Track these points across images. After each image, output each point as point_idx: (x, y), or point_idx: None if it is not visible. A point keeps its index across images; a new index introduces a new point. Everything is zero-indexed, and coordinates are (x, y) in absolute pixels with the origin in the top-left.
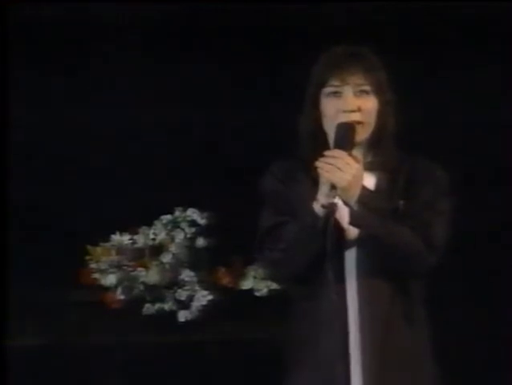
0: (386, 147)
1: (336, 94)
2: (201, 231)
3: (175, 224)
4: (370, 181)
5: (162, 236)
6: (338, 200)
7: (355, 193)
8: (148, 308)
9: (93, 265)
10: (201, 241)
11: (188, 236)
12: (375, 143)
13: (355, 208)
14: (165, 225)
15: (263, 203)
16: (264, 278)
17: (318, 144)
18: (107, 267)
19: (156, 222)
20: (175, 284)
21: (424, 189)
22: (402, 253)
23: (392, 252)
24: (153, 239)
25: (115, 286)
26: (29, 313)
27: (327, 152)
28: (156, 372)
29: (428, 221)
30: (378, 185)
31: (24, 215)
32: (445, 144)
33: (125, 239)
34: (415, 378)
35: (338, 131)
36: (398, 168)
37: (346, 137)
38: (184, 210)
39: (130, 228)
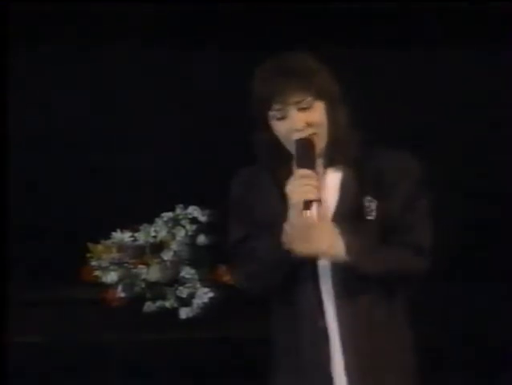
0: (344, 143)
1: (282, 116)
2: (202, 228)
3: (176, 222)
4: (335, 178)
5: (163, 233)
6: (310, 221)
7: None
8: (149, 305)
9: (94, 263)
10: (202, 239)
11: (190, 233)
12: (332, 141)
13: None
14: (166, 223)
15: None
16: None
17: (280, 156)
18: (108, 264)
19: (157, 220)
20: (176, 281)
21: (399, 187)
22: (396, 278)
23: (387, 279)
24: (154, 236)
25: (116, 284)
26: (30, 310)
27: (294, 175)
28: (156, 369)
29: (412, 225)
30: (343, 181)
31: (25, 213)
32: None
33: (126, 236)
34: (397, 381)
35: (297, 149)
36: (363, 162)
37: (307, 154)
38: (186, 208)
39: (131, 225)
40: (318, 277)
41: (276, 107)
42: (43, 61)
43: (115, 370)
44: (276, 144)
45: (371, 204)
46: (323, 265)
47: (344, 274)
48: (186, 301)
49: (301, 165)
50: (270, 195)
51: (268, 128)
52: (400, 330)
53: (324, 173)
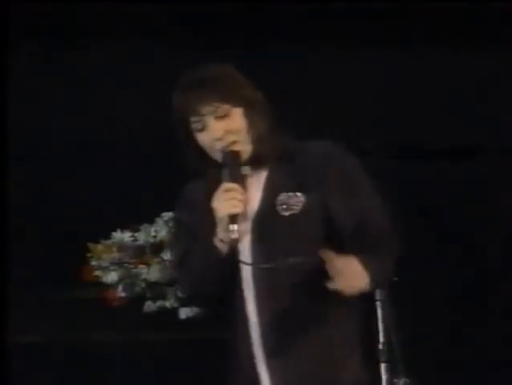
0: (266, 144)
1: (201, 127)
2: None
3: None
4: (261, 179)
5: (163, 233)
6: (237, 235)
7: None
8: (150, 305)
9: (94, 263)
10: None
11: None
12: (255, 144)
13: None
14: (166, 222)
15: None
16: None
17: (210, 168)
18: (109, 264)
19: (157, 219)
20: (176, 281)
21: (328, 177)
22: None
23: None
24: (154, 236)
25: (117, 284)
26: (30, 310)
27: (219, 189)
28: (156, 369)
29: (367, 213)
30: (267, 181)
31: (25, 213)
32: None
33: (126, 236)
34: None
35: (223, 162)
36: (287, 159)
37: (231, 166)
38: None
39: (131, 225)
40: (242, 282)
41: (194, 119)
42: (43, 61)
43: (115, 369)
44: (204, 156)
45: (295, 200)
46: (247, 275)
47: (268, 282)
48: (186, 301)
49: (226, 178)
50: (203, 209)
51: (194, 141)
52: (335, 330)
53: (251, 175)
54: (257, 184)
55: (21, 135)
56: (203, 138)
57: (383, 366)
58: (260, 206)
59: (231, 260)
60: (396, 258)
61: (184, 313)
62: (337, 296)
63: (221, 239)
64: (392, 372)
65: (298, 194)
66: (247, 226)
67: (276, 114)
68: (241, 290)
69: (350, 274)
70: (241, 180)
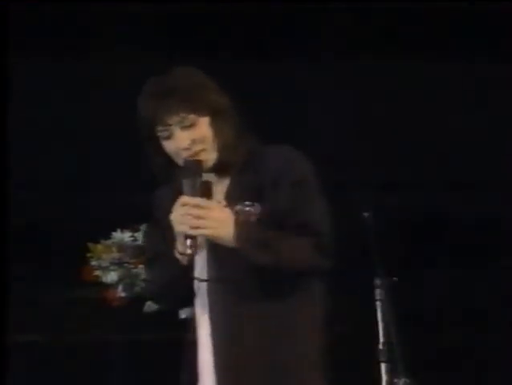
0: (231, 152)
1: (167, 136)
2: None
3: None
4: (223, 187)
5: None
6: (190, 251)
7: (227, 234)
8: (149, 305)
9: (94, 263)
10: None
11: None
12: (221, 152)
13: (238, 245)
14: None
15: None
16: None
17: (176, 174)
18: (109, 264)
19: None
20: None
21: (282, 187)
22: (295, 269)
23: (288, 271)
24: None
25: (117, 284)
26: (30, 310)
27: (178, 202)
28: (156, 369)
29: (304, 223)
30: (228, 188)
31: (25, 213)
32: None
33: (126, 236)
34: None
35: (185, 171)
36: (248, 167)
37: (194, 176)
38: None
39: (131, 225)
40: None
41: (160, 128)
42: (43, 61)
43: (115, 368)
44: (171, 162)
45: (251, 208)
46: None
47: (221, 295)
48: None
49: (186, 189)
50: (167, 216)
51: (160, 148)
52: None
53: (216, 184)
54: (220, 193)
55: (21, 134)
56: (169, 146)
57: (383, 366)
58: None
59: (188, 273)
60: (320, 262)
61: (185, 313)
62: (293, 309)
63: (179, 252)
64: (392, 372)
65: (255, 204)
66: (203, 240)
67: (246, 118)
68: (196, 305)
69: (219, 220)
70: (204, 190)
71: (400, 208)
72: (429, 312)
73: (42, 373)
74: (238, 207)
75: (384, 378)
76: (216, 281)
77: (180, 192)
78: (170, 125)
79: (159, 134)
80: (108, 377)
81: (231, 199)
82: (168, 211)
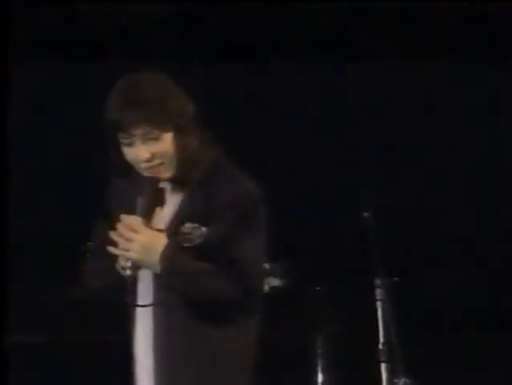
0: (190, 166)
1: (129, 144)
2: None
3: None
4: (178, 199)
5: None
6: (130, 272)
7: (152, 259)
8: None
9: None
10: None
11: None
12: (180, 166)
13: (162, 272)
14: None
15: None
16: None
17: (133, 178)
18: None
19: None
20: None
21: (225, 215)
22: (213, 301)
23: (205, 302)
24: None
25: None
26: (29, 310)
27: (121, 220)
28: None
29: (233, 258)
30: (179, 206)
31: (25, 213)
32: None
33: None
34: None
35: (140, 187)
36: (201, 186)
37: (145, 199)
38: None
39: None
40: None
41: (123, 135)
42: (43, 61)
43: (114, 369)
44: (130, 166)
45: (195, 231)
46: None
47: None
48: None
49: (138, 208)
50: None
51: (120, 152)
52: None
53: (170, 193)
54: (172, 205)
55: (21, 135)
56: (129, 153)
57: (383, 366)
58: (167, 231)
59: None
60: (229, 298)
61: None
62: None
63: (122, 267)
64: (392, 372)
65: (201, 228)
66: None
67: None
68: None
69: (145, 246)
70: (158, 197)
71: (400, 208)
72: (429, 312)
73: (42, 373)
74: (186, 227)
75: (384, 378)
76: (152, 305)
77: (135, 192)
78: (134, 136)
79: (121, 140)
80: (108, 377)
81: (179, 217)
82: (121, 206)
